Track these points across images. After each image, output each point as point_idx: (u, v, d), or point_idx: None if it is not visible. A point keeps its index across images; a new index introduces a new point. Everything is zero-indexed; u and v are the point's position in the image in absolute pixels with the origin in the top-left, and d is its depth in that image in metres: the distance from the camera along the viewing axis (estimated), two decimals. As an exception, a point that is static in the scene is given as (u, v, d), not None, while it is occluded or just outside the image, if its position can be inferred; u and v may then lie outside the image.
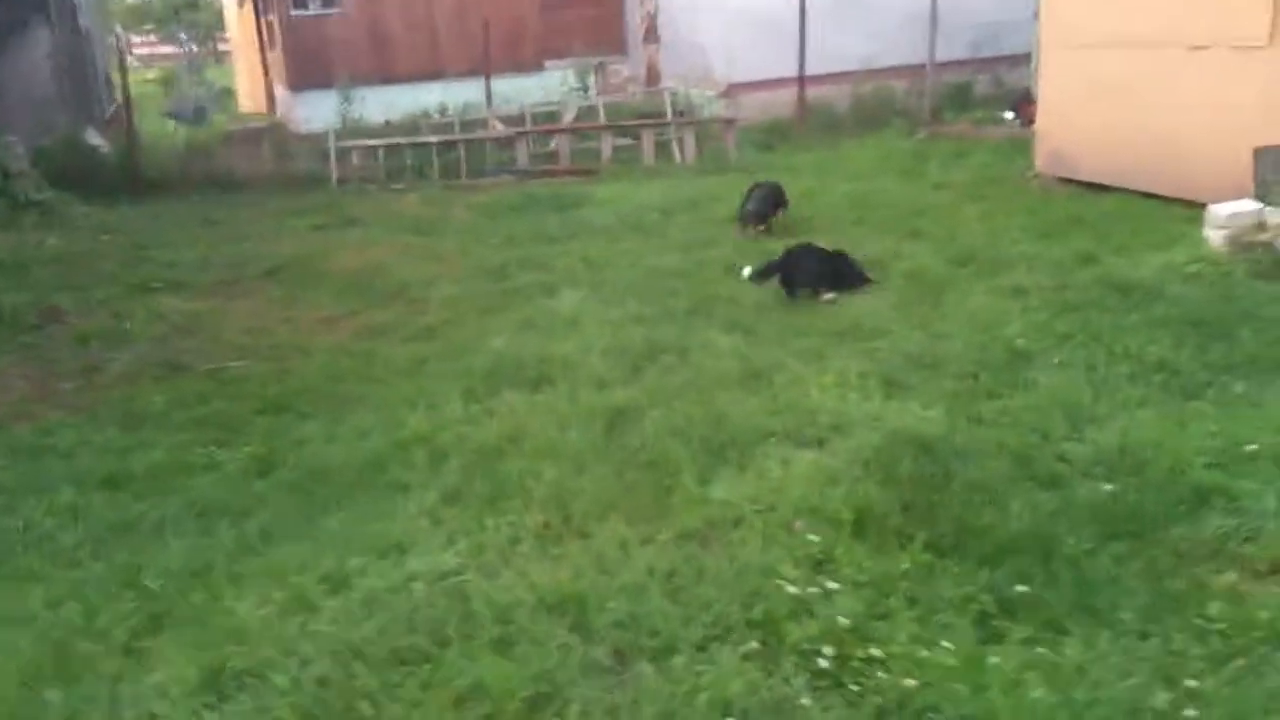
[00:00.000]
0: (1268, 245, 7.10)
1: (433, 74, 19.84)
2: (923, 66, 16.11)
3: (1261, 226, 7.27)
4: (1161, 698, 2.93)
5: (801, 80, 16.55)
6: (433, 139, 15.53)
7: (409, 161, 15.30)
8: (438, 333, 7.90)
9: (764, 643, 3.23)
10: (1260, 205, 7.44)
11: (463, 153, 15.27)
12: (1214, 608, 3.37)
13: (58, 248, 11.57)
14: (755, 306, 7.71)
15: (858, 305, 7.33)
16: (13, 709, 3.14)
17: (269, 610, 3.52)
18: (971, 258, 8.32)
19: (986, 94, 17.60)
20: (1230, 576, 3.57)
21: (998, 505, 4.11)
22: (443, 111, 17.98)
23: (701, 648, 3.21)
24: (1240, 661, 3.09)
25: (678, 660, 3.13)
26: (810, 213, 10.48)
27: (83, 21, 19.66)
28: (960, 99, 17.26)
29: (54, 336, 8.49)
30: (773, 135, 16.38)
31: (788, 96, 16.82)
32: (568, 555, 3.82)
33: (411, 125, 16.98)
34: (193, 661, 3.22)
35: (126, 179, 15.19)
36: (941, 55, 15.89)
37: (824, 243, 8.36)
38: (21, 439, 6.18)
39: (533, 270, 9.54)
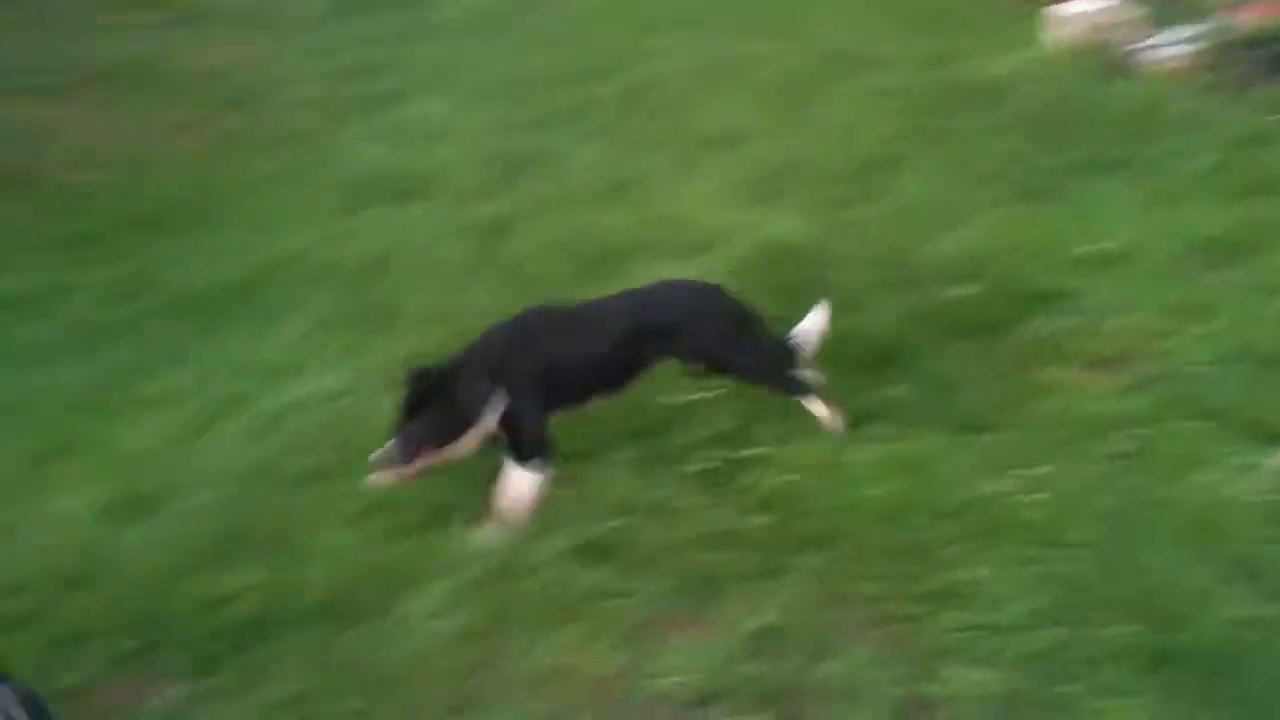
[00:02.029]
0: (1107, 45, 7.36)
1: None
2: None
3: (1103, 26, 7.53)
4: (1000, 485, 3.23)
5: None
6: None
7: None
8: (299, 141, 7.63)
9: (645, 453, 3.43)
10: (1102, 4, 7.66)
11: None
12: (1050, 402, 3.72)
13: None
14: (618, 109, 7.62)
15: (724, 112, 7.33)
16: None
17: (165, 435, 3.60)
18: (836, 56, 8.30)
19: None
20: (1067, 371, 3.92)
21: (862, 312, 4.36)
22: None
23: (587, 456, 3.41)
24: (1070, 449, 3.45)
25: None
26: (676, 14, 10.16)
27: None
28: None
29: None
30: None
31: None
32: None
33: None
34: (102, 486, 3.31)
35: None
36: None
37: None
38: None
39: (389, 74, 9.15)
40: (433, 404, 3.05)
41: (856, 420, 3.60)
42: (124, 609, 2.87)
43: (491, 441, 3.18)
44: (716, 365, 3.58)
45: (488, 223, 5.57)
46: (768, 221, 5.32)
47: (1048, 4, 8.03)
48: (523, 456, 3.17)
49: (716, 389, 3.66)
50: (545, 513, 3.16)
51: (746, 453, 3.41)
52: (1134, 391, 3.70)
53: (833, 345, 3.83)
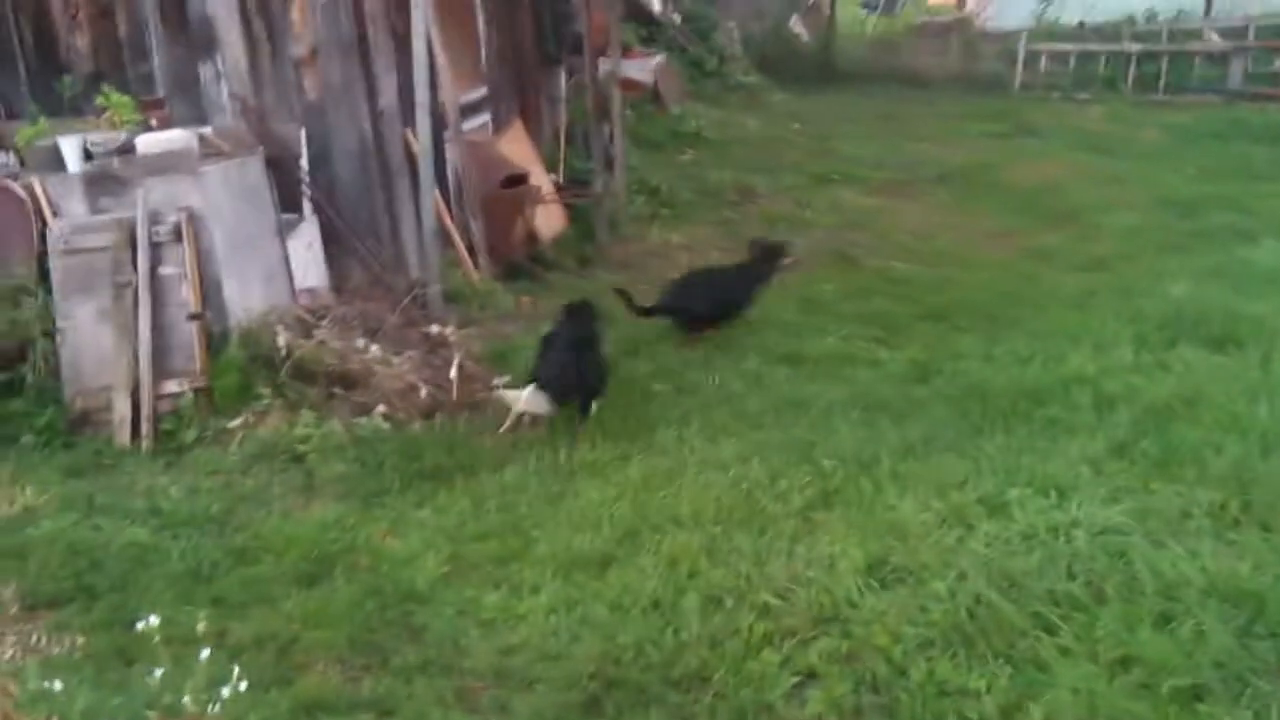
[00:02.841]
0: None
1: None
2: None
3: None
4: None
5: None
6: (1133, 47, 14.34)
7: (1101, 70, 14.35)
8: (1109, 265, 7.52)
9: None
10: None
11: (1164, 65, 13.94)
12: None
13: (756, 131, 12.88)
14: None
15: None
16: (711, 540, 3.77)
17: (928, 516, 3.75)
18: None
19: None
20: None
21: None
22: (1151, 16, 16.44)
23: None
24: None
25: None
26: None
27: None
28: None
29: (746, 214, 9.57)
30: None
31: None
32: (1246, 544, 3.52)
33: (1111, 31, 15.79)
34: (859, 544, 3.58)
35: (820, 68, 16.28)
36: None
37: None
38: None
39: (1228, 210, 8.59)
40: None
41: None
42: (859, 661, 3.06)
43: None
44: None
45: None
46: None
47: None
48: None
49: None
50: None
51: None
52: None
53: None
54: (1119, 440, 4.41)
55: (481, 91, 8.35)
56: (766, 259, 6.73)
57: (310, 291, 5.93)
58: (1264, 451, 4.29)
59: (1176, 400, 4.87)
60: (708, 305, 6.41)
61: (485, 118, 8.37)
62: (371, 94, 6.35)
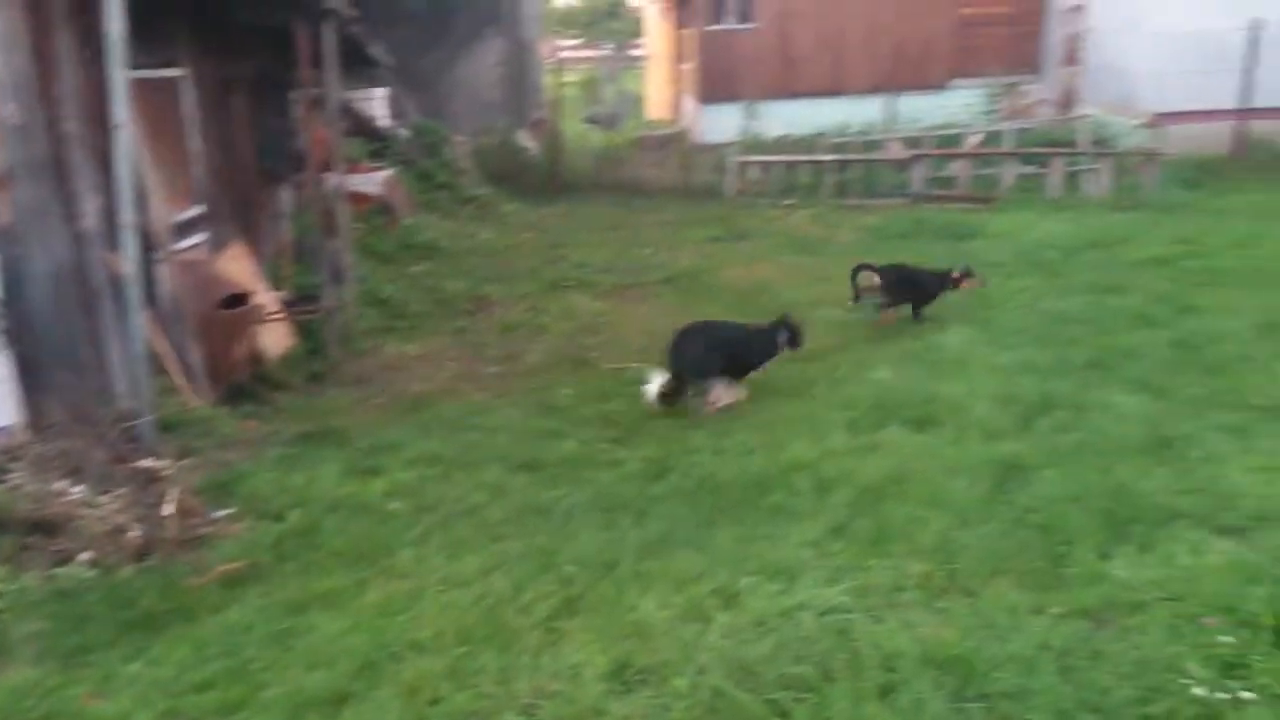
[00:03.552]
0: None
1: (834, 90, 20.08)
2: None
3: None
4: None
5: (1243, 113, 15.00)
6: (828, 157, 15.74)
7: (802, 178, 15.63)
8: (821, 357, 8.06)
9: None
10: None
11: (856, 172, 15.37)
12: None
13: (489, 241, 13.06)
14: (1166, 363, 7.16)
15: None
16: (454, 664, 3.66)
17: (668, 614, 3.82)
18: None
19: None
20: None
21: None
22: (842, 129, 18.16)
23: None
24: None
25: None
26: (1237, 264, 9.50)
27: (525, 32, 21.85)
28: None
29: (482, 323, 9.62)
30: (1201, 172, 14.97)
31: (1221, 130, 15.33)
32: (953, 612, 3.81)
33: (809, 142, 17.29)
34: (602, 650, 3.58)
35: (549, 180, 16.78)
36: None
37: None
38: (455, 414, 7.09)
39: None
40: None
41: None
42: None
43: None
44: None
45: (1005, 461, 5.40)
46: (1343, 512, 4.60)
47: None
48: None
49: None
50: None
51: None
52: None
53: None
54: (838, 521, 4.70)
55: (197, 210, 8.02)
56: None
57: (2, 431, 5.38)
58: (963, 523, 4.70)
59: (886, 480, 5.26)
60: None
61: (202, 236, 8.02)
62: (71, 216, 5.95)
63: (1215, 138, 15.39)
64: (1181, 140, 15.50)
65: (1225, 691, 3.30)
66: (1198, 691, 3.29)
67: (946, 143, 16.79)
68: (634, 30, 41.12)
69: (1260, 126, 15.16)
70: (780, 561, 4.18)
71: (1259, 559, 4.12)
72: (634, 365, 8.11)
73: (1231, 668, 3.45)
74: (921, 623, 3.69)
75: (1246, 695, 3.28)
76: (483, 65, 19.73)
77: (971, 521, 4.70)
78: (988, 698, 3.24)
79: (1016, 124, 17.51)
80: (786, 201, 15.06)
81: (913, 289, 8.92)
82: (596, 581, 4.19)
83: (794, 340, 7.43)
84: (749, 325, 7.53)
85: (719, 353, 7.11)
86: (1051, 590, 4.02)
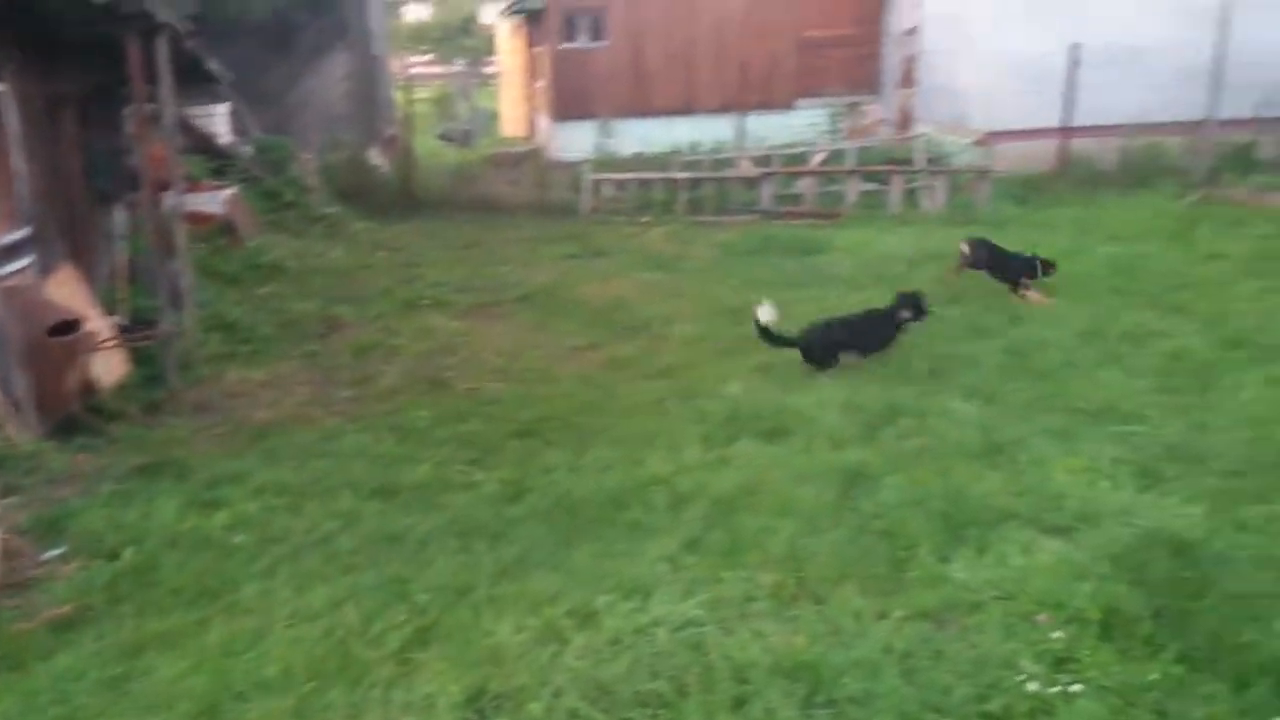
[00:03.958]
0: None
1: (686, 109, 20.45)
2: (1201, 124, 15.16)
3: None
4: None
5: (1065, 131, 15.94)
6: (681, 175, 15.99)
7: (657, 195, 15.83)
8: (676, 372, 8.17)
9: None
10: None
11: (709, 190, 15.67)
12: None
13: (339, 261, 12.74)
14: (999, 370, 7.54)
15: (1113, 383, 7.04)
16: (302, 702, 3.55)
17: (524, 637, 3.81)
18: (1244, 341, 7.81)
19: (1273, 157, 16.31)
20: None
21: (1260, 622, 3.90)
22: (695, 148, 18.48)
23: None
24: None
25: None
26: (1062, 275, 10.09)
27: (374, 47, 21.48)
28: (1242, 161, 16.06)
29: (334, 346, 9.37)
30: (1027, 188, 15.84)
31: (1047, 148, 16.26)
32: (803, 619, 3.92)
33: (663, 160, 17.52)
34: (457, 679, 3.55)
35: (401, 197, 16.50)
36: (1223, 113, 14.89)
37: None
38: (305, 442, 6.87)
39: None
40: None
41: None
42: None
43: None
44: None
45: (851, 468, 5.59)
46: (1152, 508, 4.93)
47: None
48: None
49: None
50: None
51: None
52: None
53: (1222, 652, 3.40)
54: (692, 535, 4.78)
55: (21, 233, 7.57)
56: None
57: None
58: (812, 530, 4.84)
59: (739, 491, 5.38)
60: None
61: (28, 260, 7.57)
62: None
63: (1041, 155, 16.31)
64: (1010, 158, 16.39)
65: (1057, 685, 3.50)
66: (1031, 686, 3.49)
67: (793, 161, 17.28)
68: (487, 47, 40.98)
69: (1079, 144, 16.14)
70: (636, 578, 4.22)
71: (1083, 557, 4.38)
72: (491, 385, 8.05)
73: (1062, 662, 3.67)
74: (772, 632, 3.78)
75: (1076, 688, 3.49)
76: (330, 81, 19.31)
77: (820, 529, 4.85)
78: (835, 703, 3.34)
79: (858, 143, 18.17)
80: (642, 219, 15.21)
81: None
82: (451, 608, 4.14)
83: (918, 312, 8.13)
84: (868, 312, 8.25)
85: (840, 345, 7.93)
86: (895, 594, 4.18)
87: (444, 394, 7.96)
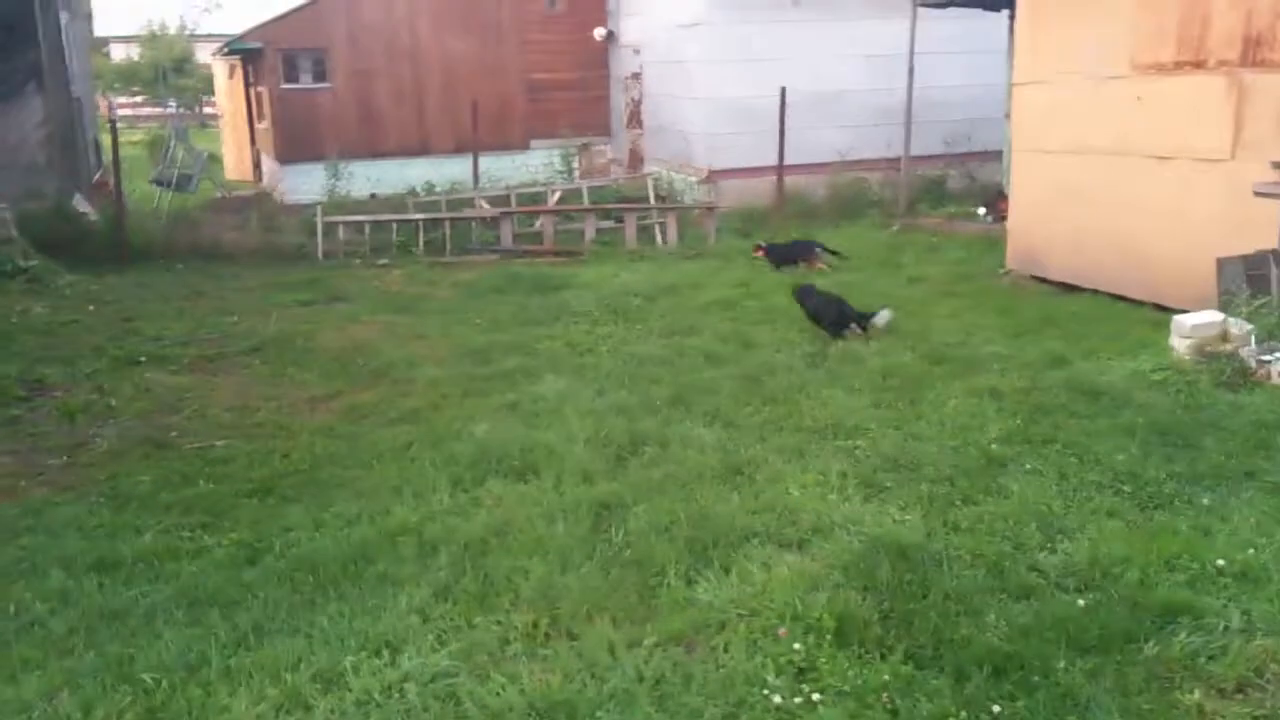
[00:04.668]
0: (1231, 355, 7.37)
1: (420, 150, 20.26)
2: (897, 160, 16.61)
3: (1225, 337, 7.56)
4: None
5: (780, 169, 17.01)
6: (419, 216, 15.78)
7: (395, 237, 15.53)
8: (422, 416, 8.00)
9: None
10: (1224, 316, 7.74)
11: (448, 230, 15.54)
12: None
13: (44, 317, 11.65)
14: (733, 397, 7.88)
15: (836, 401, 7.52)
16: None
17: (263, 708, 3.59)
18: (946, 356, 8.57)
19: (960, 189, 18.14)
20: (1196, 695, 3.71)
21: (974, 616, 4.26)
22: (430, 189, 18.29)
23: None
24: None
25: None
26: (781, 303, 10.70)
27: (75, 88, 19.93)
28: (934, 193, 17.79)
29: (40, 410, 8.54)
30: (750, 222, 16.77)
31: (766, 184, 17.28)
32: (557, 657, 3.92)
33: (398, 201, 17.23)
34: (193, 761, 3.29)
35: (113, 247, 15.31)
36: (916, 150, 16.39)
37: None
38: (8, 518, 6.21)
39: (515, 354, 9.70)
40: None
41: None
42: None
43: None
44: None
45: (600, 501, 5.66)
46: (876, 516, 5.31)
47: (1171, 313, 8.16)
48: None
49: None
50: None
51: None
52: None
53: (944, 649, 3.68)
54: (442, 583, 4.67)
55: None
56: None
57: None
58: (564, 567, 4.86)
59: (489, 533, 5.32)
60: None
61: None
62: None
63: (762, 191, 17.31)
64: (734, 193, 17.33)
65: (800, 696, 3.67)
66: (776, 700, 3.64)
67: (530, 200, 17.46)
68: (205, 88, 38.95)
69: (794, 181, 17.29)
70: (385, 633, 4.08)
71: (817, 568, 4.65)
72: (220, 443, 7.58)
73: (803, 672, 3.86)
74: (527, 674, 3.76)
75: (817, 697, 3.67)
76: (25, 126, 17.68)
77: (572, 564, 4.87)
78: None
79: (592, 182, 18.61)
80: (380, 261, 14.87)
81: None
82: (181, 686, 3.85)
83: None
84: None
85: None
86: (646, 621, 4.26)
87: (168, 455, 7.40)
